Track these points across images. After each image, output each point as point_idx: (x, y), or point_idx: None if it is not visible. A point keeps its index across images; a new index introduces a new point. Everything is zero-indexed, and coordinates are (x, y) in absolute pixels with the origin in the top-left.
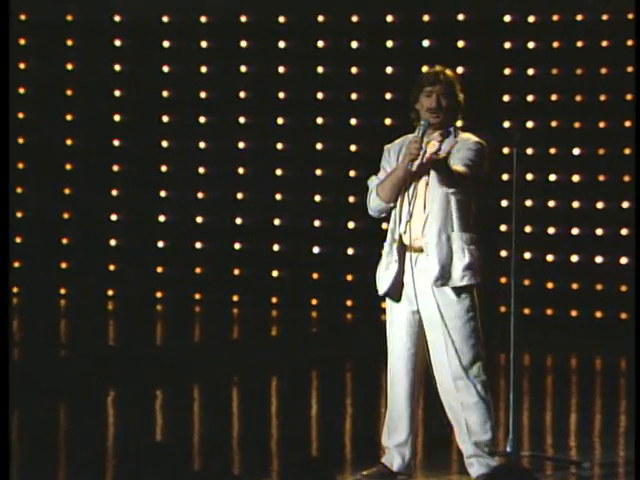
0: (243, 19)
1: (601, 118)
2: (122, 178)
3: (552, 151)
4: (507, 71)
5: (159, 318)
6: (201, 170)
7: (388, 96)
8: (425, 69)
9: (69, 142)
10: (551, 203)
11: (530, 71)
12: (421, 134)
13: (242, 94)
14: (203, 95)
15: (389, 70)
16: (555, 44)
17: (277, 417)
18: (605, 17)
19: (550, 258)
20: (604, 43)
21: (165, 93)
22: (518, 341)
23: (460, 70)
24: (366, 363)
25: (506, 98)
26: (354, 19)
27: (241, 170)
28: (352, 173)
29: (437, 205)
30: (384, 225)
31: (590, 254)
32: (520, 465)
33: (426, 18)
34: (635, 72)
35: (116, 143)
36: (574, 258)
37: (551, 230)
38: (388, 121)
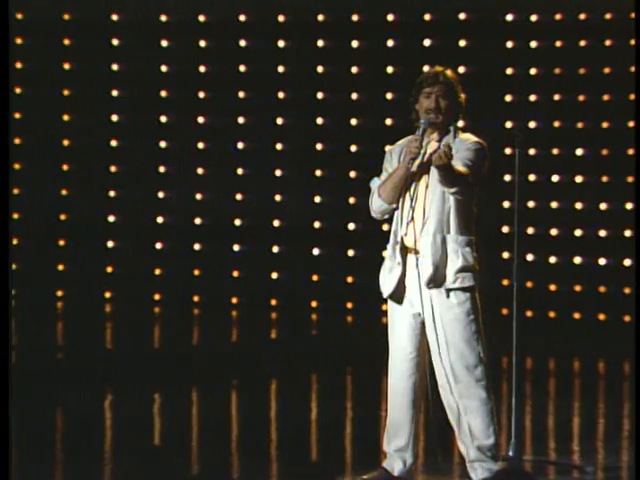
0: (242, 18)
1: (604, 118)
2: (120, 179)
3: (555, 152)
4: (509, 71)
5: (157, 320)
6: (200, 171)
7: (389, 96)
8: (426, 69)
9: (66, 142)
10: (554, 204)
11: (532, 71)
12: (421, 134)
13: (241, 94)
14: (202, 95)
15: (390, 70)
16: (558, 43)
17: (277, 421)
18: (608, 16)
19: (553, 260)
20: (607, 42)
21: (163, 93)
22: (520, 344)
23: (461, 70)
24: (367, 366)
25: (508, 98)
26: (354, 18)
27: (240, 171)
28: (352, 174)
29: (435, 207)
30: (385, 227)
31: (593, 256)
32: (523, 470)
33: (427, 17)
34: (636, 72)
35: (114, 144)
36: (577, 260)
37: (554, 231)
38: (389, 121)
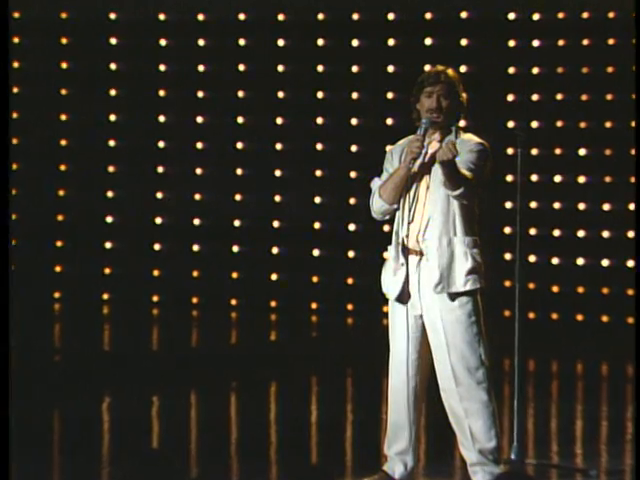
0: (242, 17)
1: (607, 118)
2: (118, 179)
3: (557, 152)
4: (511, 70)
5: (155, 322)
6: (198, 171)
7: (390, 95)
8: (427, 68)
9: (63, 142)
10: (556, 205)
11: (535, 70)
12: (422, 133)
13: (241, 93)
14: (201, 94)
15: (391, 69)
16: (560, 42)
17: (276, 423)
18: (611, 15)
19: (555, 261)
20: (610, 41)
21: (162, 92)
22: (523, 346)
23: (463, 69)
24: (367, 368)
25: (510, 97)
26: (355, 17)
27: (239, 171)
28: (353, 174)
29: (439, 209)
30: (386, 227)
31: (596, 257)
32: (525, 473)
33: (428, 16)
34: (636, 72)
35: (112, 143)
36: (580, 261)
37: (556, 232)
38: (390, 121)
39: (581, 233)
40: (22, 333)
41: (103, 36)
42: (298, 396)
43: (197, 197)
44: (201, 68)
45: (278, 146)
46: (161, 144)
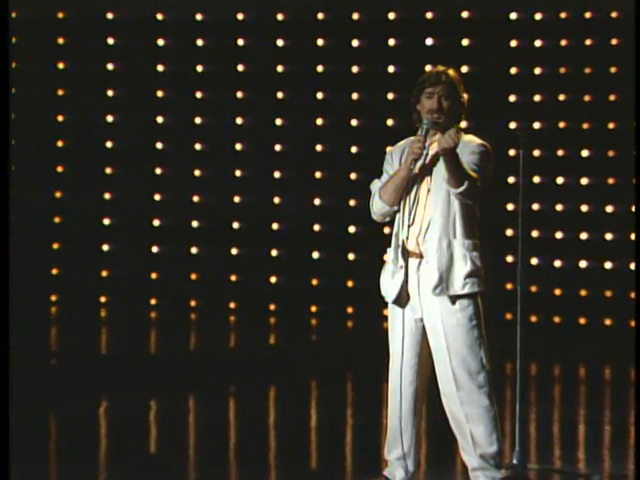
0: (240, 17)
1: (610, 119)
2: (115, 181)
3: (560, 153)
4: (513, 70)
5: (153, 326)
6: (197, 173)
7: (390, 96)
8: (428, 69)
9: (60, 144)
10: (559, 207)
11: (537, 70)
12: (424, 134)
13: (240, 94)
14: (199, 95)
15: (391, 69)
16: (563, 42)
17: (275, 428)
18: (614, 14)
19: (558, 264)
20: (613, 41)
21: (160, 93)
22: (525, 349)
23: (464, 69)
24: (367, 372)
25: (512, 98)
26: (355, 17)
27: (238, 173)
28: (353, 176)
29: (439, 211)
30: (386, 229)
31: (599, 259)
32: (527, 478)
33: (429, 16)
34: (635, 73)
35: (109, 145)
36: (582, 264)
37: (559, 235)
38: (390, 122)
39: (584, 235)
40: (18, 336)
41: (100, 36)
42: (297, 400)
43: (195, 199)
44: (200, 68)
45: (277, 147)
46: (159, 145)
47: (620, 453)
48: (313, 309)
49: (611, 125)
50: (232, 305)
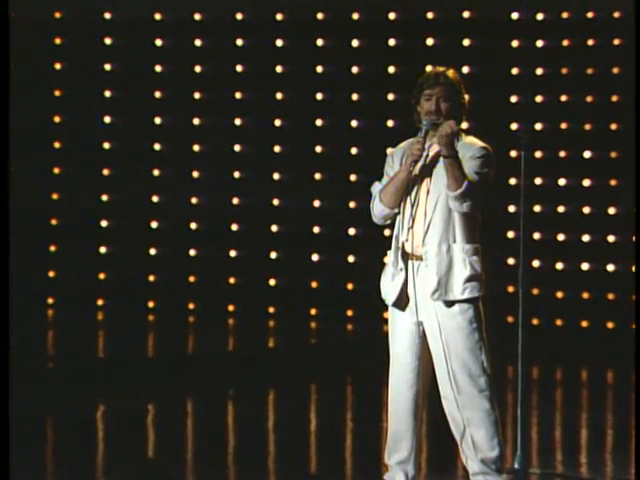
0: (239, 16)
1: (613, 120)
2: (112, 182)
3: (562, 154)
4: (515, 71)
5: (151, 328)
6: (195, 174)
7: (390, 97)
8: (428, 69)
9: (57, 145)
10: (561, 209)
11: (539, 71)
12: (423, 136)
13: (238, 95)
14: (197, 96)
15: (391, 70)
16: (565, 42)
17: (275, 432)
18: (617, 14)
19: (560, 266)
20: (616, 41)
21: (158, 94)
22: (526, 353)
23: (466, 70)
24: (367, 376)
25: (514, 99)
26: (355, 17)
27: (237, 174)
28: (353, 177)
29: (439, 214)
30: (386, 232)
31: (602, 262)
32: None
33: (430, 15)
34: (635, 74)
35: (106, 146)
36: (584, 266)
37: (561, 237)
38: (390, 123)
39: (586, 237)
40: (14, 339)
41: (98, 36)
42: (297, 403)
43: (194, 200)
44: (198, 69)
45: (276, 148)
46: (157, 146)
47: (623, 457)
48: (313, 312)
49: (613, 126)
50: (231, 308)
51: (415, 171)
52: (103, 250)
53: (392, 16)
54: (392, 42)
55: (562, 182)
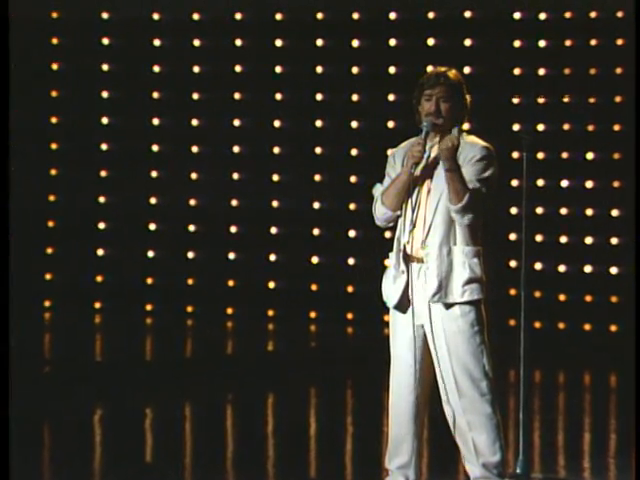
0: (238, 16)
1: (616, 121)
2: (110, 184)
3: (564, 155)
4: (517, 71)
5: (149, 332)
6: (193, 176)
7: (391, 97)
8: (429, 70)
9: (54, 146)
10: (563, 210)
11: (541, 71)
12: (424, 137)
13: (237, 95)
14: (196, 97)
15: (392, 70)
16: (567, 42)
17: (274, 436)
18: (620, 14)
19: (562, 269)
20: (619, 41)
21: (156, 94)
22: (528, 356)
23: (467, 70)
24: (368, 379)
25: (516, 100)
26: (355, 16)
27: (236, 175)
28: (353, 179)
29: (440, 216)
30: (387, 234)
31: (604, 264)
32: None
33: (431, 15)
34: (635, 75)
35: (104, 147)
36: (587, 269)
37: (563, 239)
38: (391, 124)
39: (589, 240)
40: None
41: (95, 36)
42: (296, 408)
43: (192, 202)
44: (196, 69)
45: (276, 150)
46: (155, 147)
47: (626, 462)
48: (312, 315)
49: (617, 127)
50: (230, 311)
51: (416, 173)
52: (100, 252)
53: (393, 16)
54: (393, 42)
55: (565, 183)
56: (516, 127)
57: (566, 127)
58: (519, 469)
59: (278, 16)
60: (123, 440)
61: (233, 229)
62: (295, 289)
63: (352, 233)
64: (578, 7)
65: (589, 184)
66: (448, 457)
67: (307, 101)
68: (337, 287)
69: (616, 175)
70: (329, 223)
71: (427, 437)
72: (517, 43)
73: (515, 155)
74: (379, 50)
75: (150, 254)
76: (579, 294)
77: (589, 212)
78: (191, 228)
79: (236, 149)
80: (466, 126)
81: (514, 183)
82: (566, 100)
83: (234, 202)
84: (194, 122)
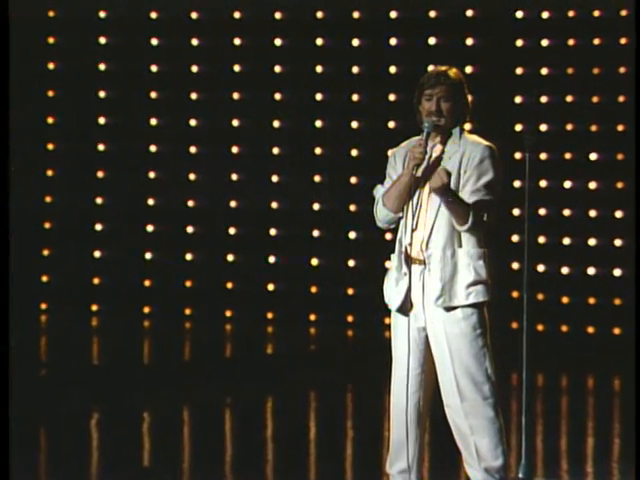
0: (237, 15)
1: (619, 121)
2: (107, 185)
3: (567, 156)
4: (519, 70)
5: (147, 334)
6: (192, 176)
7: (392, 97)
8: (430, 69)
9: (51, 146)
10: (566, 212)
11: (544, 70)
12: (424, 137)
13: (236, 95)
14: (194, 96)
15: (393, 70)
16: (570, 42)
17: (273, 440)
18: (624, 13)
19: (565, 271)
20: (623, 41)
21: (153, 94)
22: (531, 359)
23: (469, 69)
24: (369, 383)
25: (518, 99)
26: (355, 15)
27: (235, 176)
28: (353, 179)
29: (443, 217)
30: (388, 235)
31: (608, 266)
32: None
33: (432, 14)
34: (635, 75)
35: (101, 147)
36: (591, 271)
37: (566, 241)
38: (392, 124)
39: (592, 241)
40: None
41: (92, 35)
42: (296, 411)
43: (190, 203)
44: (195, 69)
45: (275, 150)
46: (153, 148)
47: (629, 466)
48: (312, 317)
49: (620, 127)
50: (228, 313)
51: (418, 174)
52: (98, 254)
53: (393, 15)
54: (393, 41)
55: (568, 184)
56: (519, 127)
57: (569, 127)
58: (521, 474)
59: (277, 15)
60: (121, 443)
61: (232, 230)
62: (295, 291)
63: (352, 235)
64: (581, 6)
65: (592, 185)
66: (450, 461)
67: (307, 101)
68: (337, 289)
69: (620, 176)
70: (329, 224)
71: (428, 441)
72: (519, 42)
73: (517, 156)
74: (379, 49)
75: (148, 256)
76: (582, 296)
77: (592, 213)
78: (189, 229)
79: (235, 149)
80: (467, 126)
81: (516, 184)
82: (569, 100)
83: (233, 203)
84: (192, 122)
